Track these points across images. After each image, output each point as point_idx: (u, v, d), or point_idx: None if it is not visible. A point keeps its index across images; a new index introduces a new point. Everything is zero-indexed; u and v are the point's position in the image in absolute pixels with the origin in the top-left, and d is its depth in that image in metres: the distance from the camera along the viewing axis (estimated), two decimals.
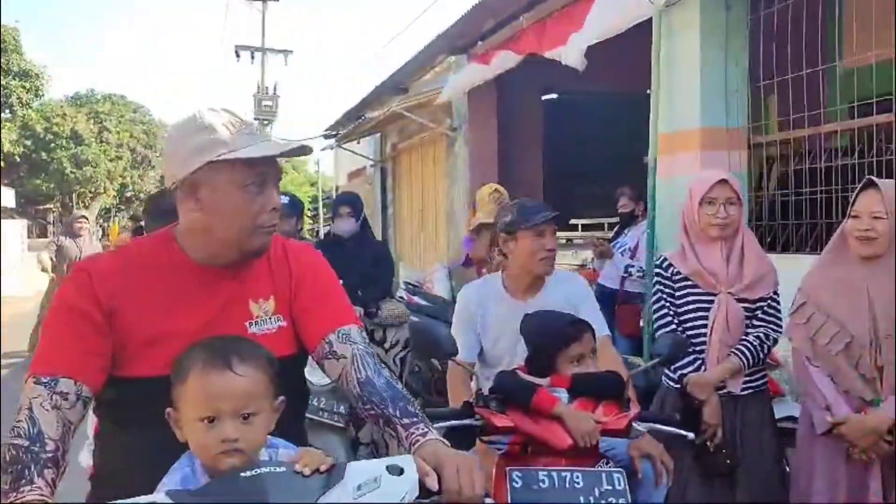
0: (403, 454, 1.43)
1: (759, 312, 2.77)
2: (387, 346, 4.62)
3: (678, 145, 4.92)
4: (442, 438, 1.46)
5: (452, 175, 9.37)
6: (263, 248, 1.59)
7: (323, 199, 20.81)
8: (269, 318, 1.62)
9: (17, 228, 23.51)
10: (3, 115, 29.67)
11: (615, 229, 5.68)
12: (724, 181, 2.80)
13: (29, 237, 26.49)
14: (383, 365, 1.62)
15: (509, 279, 2.80)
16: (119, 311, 1.52)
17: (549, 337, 2.31)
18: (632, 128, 8.49)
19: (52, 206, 41.03)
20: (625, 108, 9.11)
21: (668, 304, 2.85)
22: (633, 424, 2.14)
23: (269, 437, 1.41)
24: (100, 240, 17.03)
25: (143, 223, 3.12)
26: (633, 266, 5.22)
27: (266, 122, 25.81)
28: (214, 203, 1.53)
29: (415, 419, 1.50)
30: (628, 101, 8.81)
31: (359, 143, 13.39)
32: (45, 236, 35.86)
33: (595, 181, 9.29)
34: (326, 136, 16.08)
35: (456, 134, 9.16)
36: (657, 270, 2.93)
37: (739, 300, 2.76)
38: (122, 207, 47.54)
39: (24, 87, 25.39)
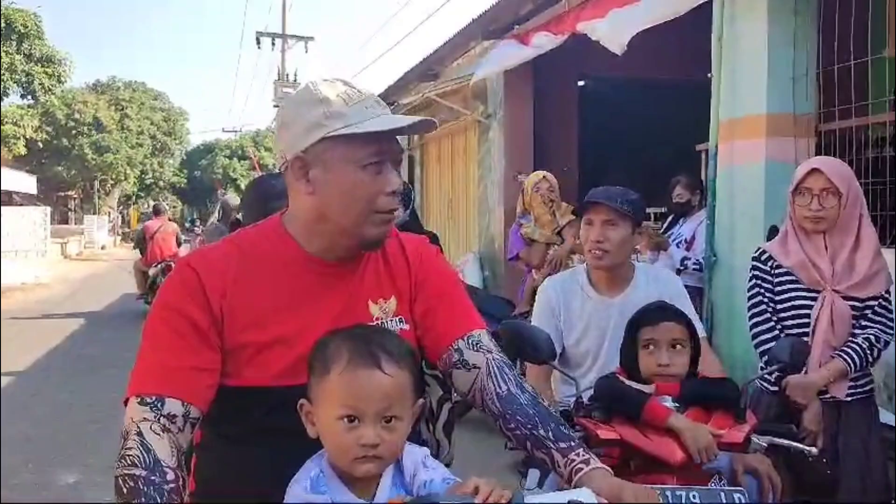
0: (572, 487, 1.26)
1: (868, 312, 2.56)
2: None
3: (741, 132, 4.68)
4: (605, 466, 1.28)
5: (485, 163, 9.17)
6: (382, 238, 1.40)
7: None
8: (391, 321, 1.44)
9: (39, 215, 23.54)
10: (26, 101, 29.71)
11: (668, 220, 5.44)
12: (818, 171, 2.57)
13: (51, 224, 26.56)
14: (524, 378, 1.44)
15: (592, 273, 2.59)
16: (231, 313, 1.34)
17: (632, 318, 2.13)
18: (676, 115, 8.26)
19: (73, 192, 41.19)
20: (668, 94, 8.87)
21: (766, 300, 2.64)
22: (752, 438, 1.94)
23: None
24: (120, 227, 16.97)
25: (240, 215, 2.73)
26: (689, 258, 4.99)
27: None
28: (328, 184, 1.35)
29: (572, 444, 1.32)
30: (671, 86, 8.58)
31: None
32: (67, 223, 36.07)
33: (637, 171, 9.03)
34: None
35: (490, 121, 8.95)
36: (754, 264, 2.71)
37: (847, 298, 2.54)
38: (142, 195, 47.74)
39: (46, 74, 25.35)
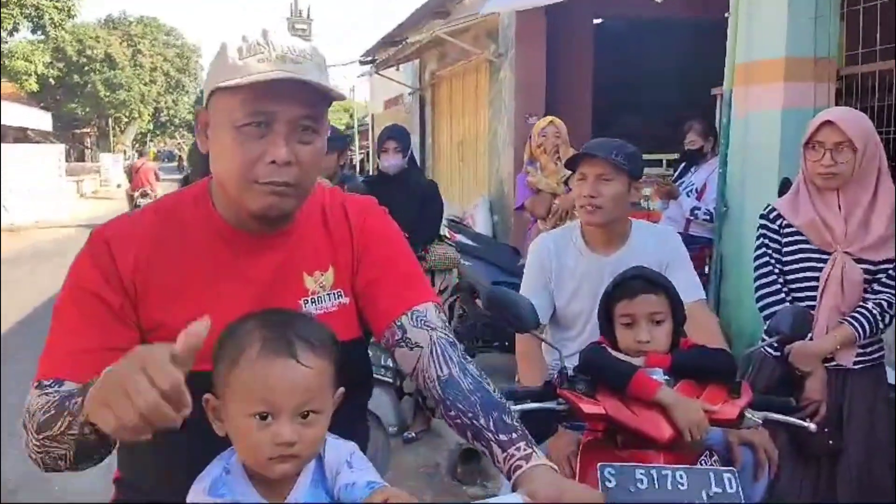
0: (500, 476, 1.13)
1: (882, 276, 2.38)
2: (435, 291, 4.31)
3: (758, 76, 4.44)
4: (549, 462, 1.14)
5: (496, 104, 8.92)
6: (272, 212, 1.22)
7: (359, 129, 20.33)
8: (328, 295, 1.30)
9: (54, 153, 23.47)
10: (36, 36, 29.38)
11: (680, 167, 5.23)
12: (830, 123, 2.37)
13: (67, 161, 26.54)
14: (468, 359, 1.29)
15: (586, 230, 2.43)
16: (144, 289, 1.21)
17: (606, 290, 1.98)
18: (694, 56, 7.95)
19: (88, 130, 41.10)
20: (685, 34, 8.53)
21: (773, 261, 2.48)
22: (746, 413, 1.81)
23: None
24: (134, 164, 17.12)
25: (188, 174, 2.53)
26: (699, 208, 4.81)
27: None
28: (213, 146, 1.22)
29: (514, 435, 1.17)
30: (689, 26, 8.24)
31: (398, 69, 12.87)
32: (84, 160, 36.07)
33: (652, 114, 8.75)
34: (363, 63, 15.58)
35: (501, 60, 8.66)
36: (762, 222, 2.54)
37: (858, 261, 2.37)
38: (158, 133, 47.55)
39: (56, 8, 24.98)
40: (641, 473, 1.69)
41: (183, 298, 1.18)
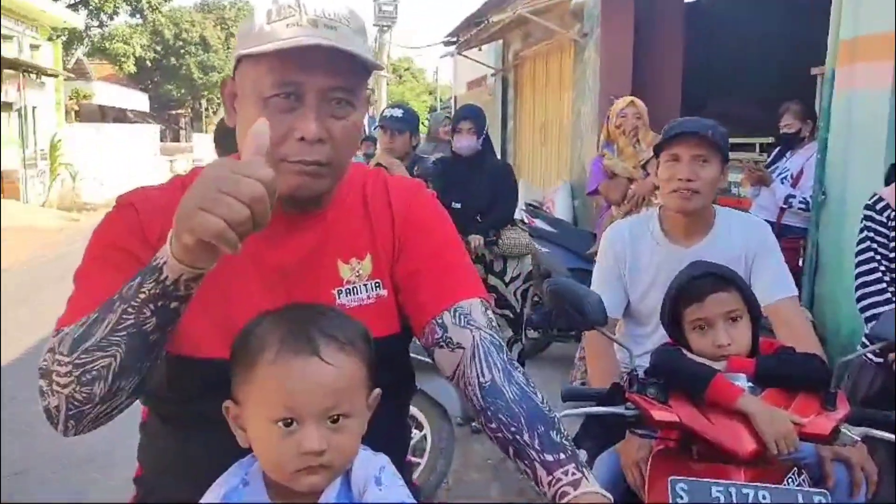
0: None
1: None
2: (507, 278, 4.17)
3: (864, 53, 4.07)
4: (601, 490, 0.99)
5: (580, 86, 8.64)
6: (297, 194, 1.09)
7: (441, 110, 20.26)
8: (364, 285, 1.17)
9: (150, 133, 24.34)
10: (134, 19, 30.46)
11: (774, 152, 4.90)
12: None
13: (162, 141, 27.52)
14: (515, 365, 1.14)
15: (666, 218, 2.24)
16: None
17: (669, 294, 1.80)
18: (791, 34, 7.49)
19: (183, 111, 42.52)
20: (781, 11, 8.05)
21: (879, 256, 2.23)
22: (842, 428, 1.61)
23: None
24: None
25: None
26: (794, 196, 4.49)
27: (385, 27, 25.31)
28: (239, 120, 1.11)
29: (562, 455, 1.02)
30: (786, 2, 7.76)
31: (480, 50, 12.69)
32: (178, 141, 37.33)
33: (745, 96, 8.31)
34: (446, 44, 15.44)
35: (586, 40, 8.37)
36: (867, 213, 2.29)
37: None
38: None
39: None
40: (718, 491, 1.52)
41: (203, 283, 1.07)
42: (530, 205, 6.75)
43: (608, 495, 0.98)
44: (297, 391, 0.93)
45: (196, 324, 1.05)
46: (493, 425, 1.07)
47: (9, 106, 16.72)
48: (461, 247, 1.25)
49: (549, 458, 1.02)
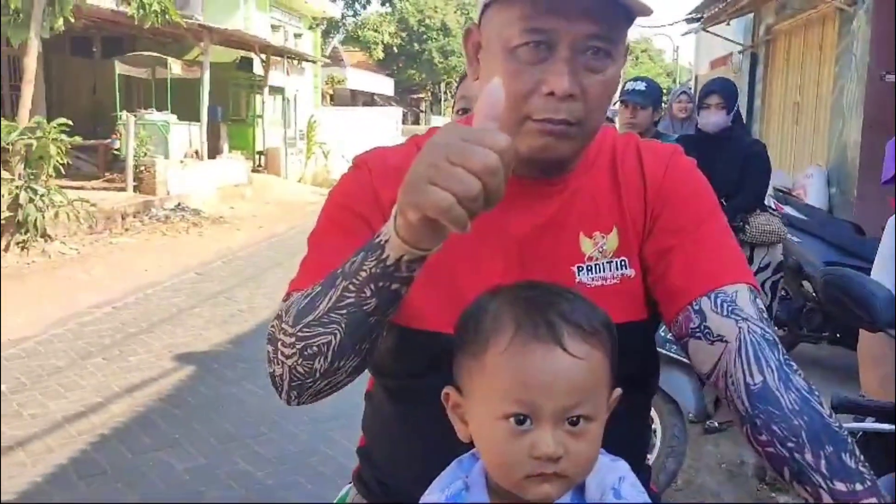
0: None
1: None
2: (754, 268, 3.80)
3: None
4: None
5: (844, 59, 7.76)
6: (542, 156, 0.97)
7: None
8: (609, 263, 1.03)
9: (394, 115, 25.74)
10: (384, 8, 32.20)
11: None
12: None
13: (403, 124, 28.99)
14: (793, 366, 0.94)
15: None
16: None
17: None
18: None
19: (423, 95, 44.48)
20: None
21: None
22: None
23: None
24: None
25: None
26: None
27: None
28: (483, 74, 1.00)
29: (857, 485, 0.83)
30: None
31: (728, 24, 11.86)
32: (418, 123, 39.15)
33: None
34: (689, 21, 14.63)
35: (854, 9, 7.48)
36: None
37: None
38: None
39: None
40: None
41: (443, 250, 1.01)
42: (779, 190, 6.17)
43: None
44: (535, 384, 0.80)
45: (421, 293, 0.98)
46: (764, 437, 0.90)
47: (278, 90, 18.46)
48: (724, 223, 1.08)
49: (841, 486, 0.83)
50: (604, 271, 1.04)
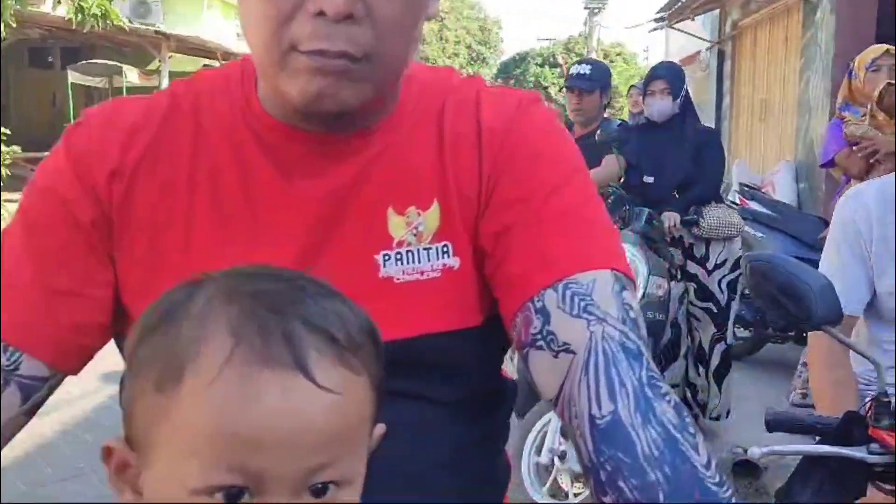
0: None
1: None
2: (710, 265, 3.52)
3: None
4: None
5: (809, 51, 7.65)
6: (317, 105, 0.68)
7: None
8: (426, 250, 0.74)
9: None
10: None
11: None
12: None
13: None
14: (661, 385, 0.64)
15: None
16: (138, 200, 0.73)
17: None
18: None
19: None
20: None
21: None
22: None
23: None
24: None
25: None
26: None
27: (597, 9, 24.80)
28: (241, 4, 0.70)
29: None
30: None
31: (693, 20, 11.76)
32: None
33: None
34: (657, 20, 14.56)
35: (818, 0, 7.34)
36: None
37: None
38: None
39: None
40: None
41: (189, 225, 0.71)
42: (745, 186, 5.97)
43: None
44: (259, 437, 0.49)
45: (144, 274, 0.72)
46: (609, 499, 0.60)
47: None
48: (588, 193, 0.77)
49: None
50: (420, 261, 0.74)
